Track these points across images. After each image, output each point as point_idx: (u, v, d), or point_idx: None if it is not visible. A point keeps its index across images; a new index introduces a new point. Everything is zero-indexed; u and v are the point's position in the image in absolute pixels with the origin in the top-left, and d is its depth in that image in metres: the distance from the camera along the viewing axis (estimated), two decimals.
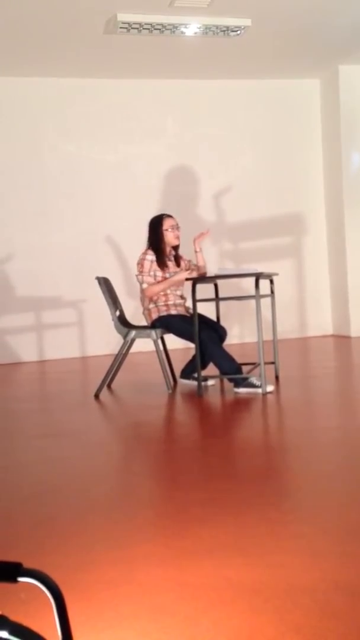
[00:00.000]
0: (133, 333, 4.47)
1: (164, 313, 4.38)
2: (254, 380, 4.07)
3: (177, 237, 4.49)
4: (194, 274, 4.57)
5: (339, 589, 1.48)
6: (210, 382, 4.52)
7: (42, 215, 6.77)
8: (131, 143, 6.98)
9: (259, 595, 1.47)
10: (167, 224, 4.45)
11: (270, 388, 4.04)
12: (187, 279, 4.39)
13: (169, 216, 4.50)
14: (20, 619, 1.37)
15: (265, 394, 3.99)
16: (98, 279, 4.61)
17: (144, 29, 5.46)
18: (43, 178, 6.76)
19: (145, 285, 4.36)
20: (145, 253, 4.41)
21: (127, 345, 4.57)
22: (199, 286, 4.25)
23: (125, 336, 4.50)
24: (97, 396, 4.36)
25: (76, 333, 6.90)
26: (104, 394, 4.42)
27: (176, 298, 4.45)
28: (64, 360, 6.67)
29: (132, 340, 4.54)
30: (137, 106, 6.96)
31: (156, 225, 4.47)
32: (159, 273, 4.40)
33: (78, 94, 6.82)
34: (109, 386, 4.68)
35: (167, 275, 4.42)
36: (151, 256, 4.38)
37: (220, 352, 4.17)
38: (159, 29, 5.50)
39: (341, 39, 6.17)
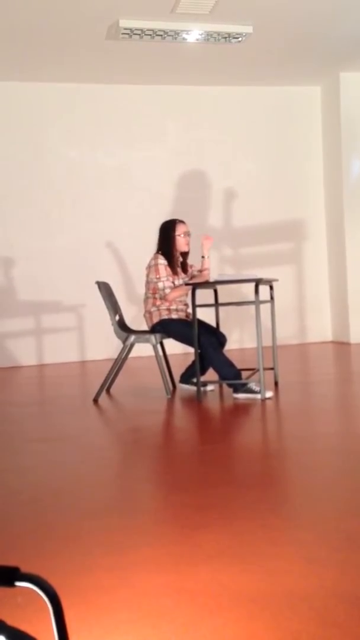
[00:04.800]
0: (132, 338, 4.47)
1: (165, 317, 4.39)
2: (253, 385, 4.07)
3: (188, 244, 4.50)
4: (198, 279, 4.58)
5: (337, 596, 1.47)
6: (210, 388, 4.51)
7: (43, 219, 6.78)
8: (132, 148, 6.99)
9: (256, 602, 1.47)
10: (179, 229, 4.46)
11: (269, 394, 4.04)
12: (186, 284, 4.39)
13: (182, 222, 4.51)
14: (17, 623, 1.36)
15: (264, 399, 3.98)
16: (98, 283, 4.62)
17: (145, 35, 5.48)
18: (45, 182, 6.77)
19: (168, 290, 4.35)
20: (156, 258, 4.40)
21: (127, 350, 4.56)
22: (198, 292, 4.25)
23: (124, 341, 4.49)
24: (96, 401, 4.35)
25: (76, 337, 6.90)
26: (103, 399, 4.42)
27: (179, 304, 4.46)
28: (63, 365, 6.67)
29: (132, 345, 4.54)
30: (138, 111, 6.98)
31: (168, 230, 4.47)
32: (170, 278, 4.40)
33: (80, 99, 6.84)
34: (108, 391, 4.68)
35: (177, 282, 4.42)
36: (163, 260, 4.38)
37: (220, 357, 4.17)
38: (161, 35, 5.52)
39: (342, 46, 6.20)
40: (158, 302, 4.41)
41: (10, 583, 0.75)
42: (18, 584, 0.75)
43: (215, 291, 4.78)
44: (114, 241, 6.95)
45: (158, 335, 4.43)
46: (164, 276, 4.36)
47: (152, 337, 4.40)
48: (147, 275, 4.45)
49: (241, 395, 4.10)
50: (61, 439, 3.32)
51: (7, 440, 3.41)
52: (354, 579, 1.55)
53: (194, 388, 4.44)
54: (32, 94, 6.71)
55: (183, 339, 4.36)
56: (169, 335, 4.45)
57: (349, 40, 6.05)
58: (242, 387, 4.10)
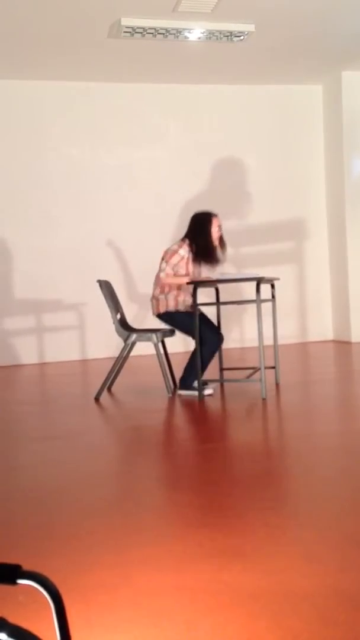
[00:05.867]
0: (134, 336, 4.47)
1: (172, 309, 4.37)
2: (195, 384, 4.29)
3: (219, 238, 4.48)
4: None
5: (338, 595, 1.48)
6: (208, 392, 4.39)
7: (44, 217, 6.78)
8: (134, 147, 6.99)
9: (257, 601, 1.47)
10: (215, 223, 4.45)
11: (208, 391, 4.22)
12: (188, 283, 4.38)
13: (216, 215, 4.49)
14: (19, 621, 1.37)
15: (205, 396, 4.18)
16: (99, 282, 4.62)
17: (147, 33, 5.47)
18: (46, 181, 6.77)
19: (163, 275, 4.35)
20: (181, 245, 4.38)
21: (128, 349, 4.57)
22: (199, 290, 4.25)
23: (126, 339, 4.50)
24: (97, 399, 4.35)
25: (77, 336, 6.90)
26: (104, 397, 4.42)
27: (187, 296, 4.42)
28: (64, 363, 6.67)
29: (133, 344, 4.55)
30: (140, 110, 6.98)
31: (205, 223, 4.43)
32: (182, 270, 4.37)
33: (81, 98, 6.83)
34: (109, 389, 4.68)
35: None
36: (184, 252, 4.35)
37: (206, 362, 4.29)
38: (163, 34, 5.52)
39: (344, 45, 6.19)
40: (167, 289, 4.39)
41: (12, 581, 0.75)
42: (20, 581, 0.75)
43: (217, 290, 4.78)
44: (115, 240, 6.95)
45: (159, 334, 4.43)
46: (172, 263, 4.34)
47: (154, 336, 4.40)
48: (162, 257, 4.44)
49: (184, 392, 4.31)
50: (62, 438, 3.32)
51: (9, 439, 3.41)
52: (355, 578, 1.56)
53: (194, 393, 4.34)
54: (33, 92, 6.71)
55: (188, 331, 4.36)
56: (172, 326, 4.44)
57: (351, 39, 6.04)
58: (188, 385, 4.30)
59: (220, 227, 4.47)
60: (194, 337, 4.28)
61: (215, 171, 7.21)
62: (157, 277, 4.45)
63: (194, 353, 4.29)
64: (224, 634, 1.34)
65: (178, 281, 4.35)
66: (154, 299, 4.45)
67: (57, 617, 0.76)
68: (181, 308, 4.39)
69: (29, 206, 6.72)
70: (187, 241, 4.40)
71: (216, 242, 4.45)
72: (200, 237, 4.40)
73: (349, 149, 7.01)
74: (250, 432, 3.29)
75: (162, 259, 4.43)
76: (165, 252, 4.42)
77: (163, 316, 4.41)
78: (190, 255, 4.39)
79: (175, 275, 4.38)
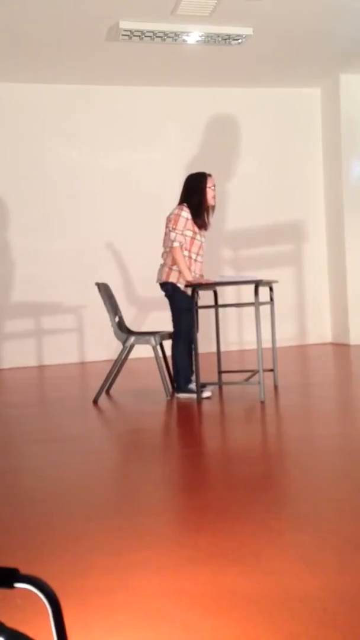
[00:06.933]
0: (132, 339, 4.47)
1: (180, 285, 4.32)
2: (193, 386, 4.28)
3: (214, 197, 4.45)
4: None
5: (336, 598, 1.47)
6: (207, 394, 4.39)
7: (44, 220, 6.78)
8: (133, 150, 7.00)
9: (256, 604, 1.47)
10: (210, 182, 4.42)
11: (207, 394, 4.21)
12: (186, 286, 4.37)
13: (210, 175, 4.47)
14: (16, 625, 1.36)
15: (203, 399, 4.16)
16: (98, 284, 4.62)
17: (146, 36, 5.48)
18: (45, 183, 6.78)
19: (176, 244, 4.27)
20: (180, 209, 4.33)
21: (126, 351, 4.56)
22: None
23: (124, 342, 4.50)
24: (95, 402, 4.35)
25: (76, 338, 6.90)
26: (103, 400, 4.42)
27: (196, 267, 4.38)
28: (63, 366, 6.67)
29: (131, 346, 4.54)
30: (139, 113, 6.99)
31: (199, 183, 4.40)
32: (189, 232, 4.32)
33: (80, 101, 6.84)
34: (107, 392, 4.68)
35: (198, 238, 4.36)
36: (187, 214, 4.31)
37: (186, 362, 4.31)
38: (161, 37, 5.52)
39: (342, 48, 6.20)
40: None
41: (9, 584, 0.75)
42: (17, 585, 0.75)
43: (215, 292, 4.78)
44: (115, 242, 6.95)
45: (158, 337, 4.43)
46: (180, 229, 4.28)
47: (152, 339, 4.40)
48: (167, 226, 4.38)
49: (182, 395, 4.30)
50: (61, 440, 3.32)
51: (7, 441, 3.41)
52: (353, 580, 1.55)
53: (193, 396, 4.32)
54: (32, 95, 6.71)
55: (180, 312, 4.30)
56: (169, 299, 4.38)
57: (349, 42, 6.06)
58: (183, 387, 4.31)
59: (214, 186, 4.44)
60: (178, 322, 4.29)
61: (214, 174, 7.20)
62: (169, 245, 4.35)
63: (174, 355, 4.32)
64: (222, 637, 1.34)
65: (182, 268, 4.26)
66: (166, 266, 4.38)
67: (55, 621, 0.76)
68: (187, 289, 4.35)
69: (29, 209, 6.73)
70: (184, 204, 4.37)
71: (212, 201, 4.42)
72: (195, 196, 4.37)
73: (347, 151, 7.03)
74: (248, 434, 3.28)
75: (167, 227, 4.35)
76: (169, 220, 4.35)
77: (167, 285, 4.35)
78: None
79: (186, 257, 4.30)
